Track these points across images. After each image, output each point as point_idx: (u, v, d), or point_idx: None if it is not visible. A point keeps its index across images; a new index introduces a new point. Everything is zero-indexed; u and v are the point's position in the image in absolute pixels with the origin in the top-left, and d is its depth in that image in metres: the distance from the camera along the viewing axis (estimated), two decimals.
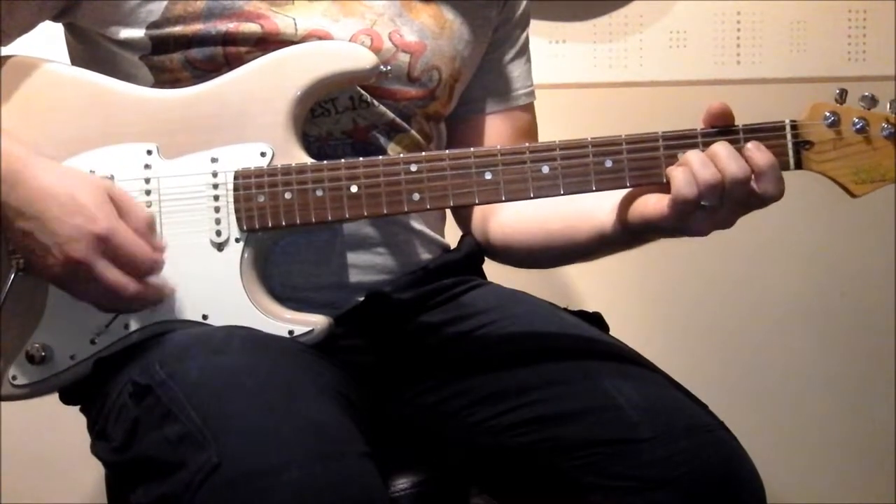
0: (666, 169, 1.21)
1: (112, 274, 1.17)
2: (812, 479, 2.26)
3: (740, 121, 1.23)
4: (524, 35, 1.53)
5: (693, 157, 1.19)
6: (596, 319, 1.40)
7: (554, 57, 2.11)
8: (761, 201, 1.20)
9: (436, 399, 1.33)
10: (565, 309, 1.42)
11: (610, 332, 1.40)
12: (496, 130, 1.49)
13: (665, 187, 1.21)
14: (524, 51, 1.53)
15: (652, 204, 1.22)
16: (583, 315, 1.41)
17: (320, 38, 1.30)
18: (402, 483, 1.33)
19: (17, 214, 1.17)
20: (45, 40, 1.37)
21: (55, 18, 1.33)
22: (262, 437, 1.06)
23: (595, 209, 1.31)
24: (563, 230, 1.36)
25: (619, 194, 1.27)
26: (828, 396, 2.27)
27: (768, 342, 2.26)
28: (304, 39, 1.30)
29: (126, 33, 1.29)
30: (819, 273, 2.25)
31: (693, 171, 1.18)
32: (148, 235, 1.21)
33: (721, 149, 1.19)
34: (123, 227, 1.18)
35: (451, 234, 1.51)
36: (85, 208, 1.16)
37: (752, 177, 1.18)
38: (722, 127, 1.22)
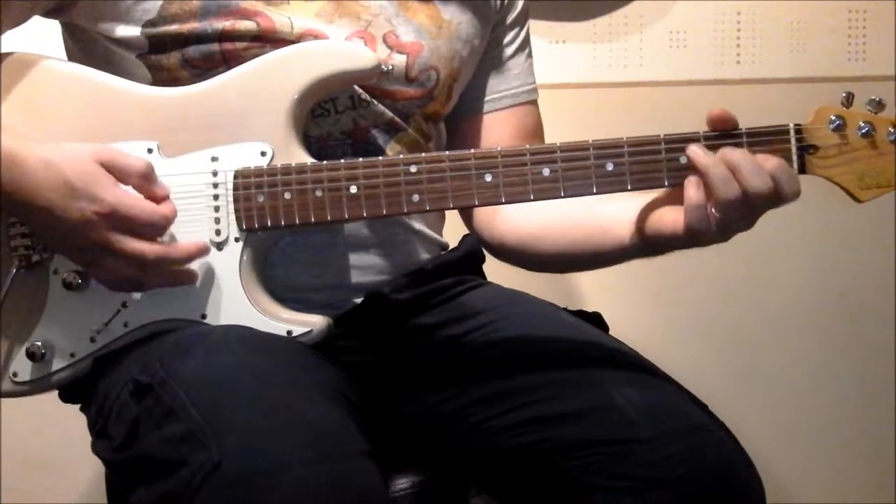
0: (685, 181, 1.18)
1: (129, 244, 1.18)
2: (812, 479, 2.26)
3: (740, 121, 1.22)
4: (524, 32, 1.52)
5: (714, 171, 1.16)
6: (595, 319, 1.40)
7: (554, 57, 2.11)
8: (779, 204, 1.18)
9: (435, 399, 1.33)
10: (565, 309, 1.42)
11: (609, 332, 1.40)
12: (498, 129, 1.49)
13: (668, 192, 1.21)
14: (524, 48, 1.52)
15: (670, 221, 1.21)
16: (582, 315, 1.41)
17: (316, 38, 1.30)
18: (402, 483, 1.33)
19: (26, 213, 1.18)
20: (44, 39, 1.37)
21: (50, 15, 1.33)
22: (263, 437, 1.06)
23: (614, 222, 1.30)
24: (586, 240, 1.35)
25: (637, 206, 1.26)
26: (828, 397, 2.27)
27: (768, 342, 2.26)
28: (299, 38, 1.29)
29: (122, 31, 1.29)
30: (819, 274, 2.25)
31: (707, 172, 1.16)
32: (150, 189, 1.21)
33: (744, 162, 1.16)
34: (125, 197, 1.18)
35: (452, 234, 1.51)
36: (82, 190, 1.16)
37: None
38: (724, 130, 1.21)
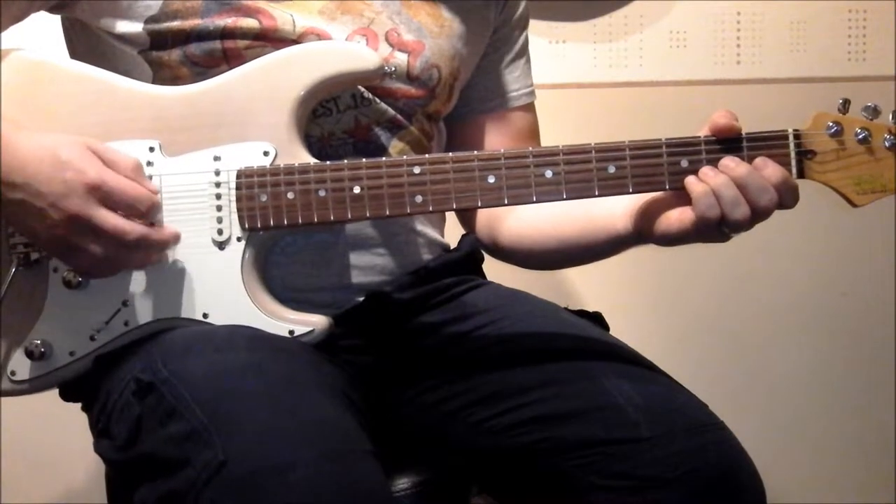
0: (685, 182, 1.21)
1: (112, 220, 1.17)
2: (812, 479, 2.26)
3: (740, 121, 1.23)
4: (523, 36, 1.53)
5: (724, 189, 1.18)
6: (596, 319, 1.41)
7: (554, 57, 2.11)
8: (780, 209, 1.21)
9: (436, 399, 1.33)
10: (565, 309, 1.42)
11: (610, 332, 1.40)
12: (496, 131, 1.49)
13: (669, 195, 1.22)
14: (524, 52, 1.53)
15: (675, 219, 1.22)
16: (583, 315, 1.41)
17: (318, 36, 1.30)
18: (402, 483, 1.33)
19: (7, 187, 1.15)
20: (46, 34, 1.38)
21: (54, 10, 1.33)
22: (268, 436, 1.06)
23: (609, 216, 1.31)
24: (578, 235, 1.36)
25: (628, 199, 1.27)
26: (828, 396, 2.27)
27: (769, 342, 2.26)
28: (301, 36, 1.29)
29: (124, 27, 1.29)
30: (820, 273, 2.25)
31: (717, 194, 1.19)
32: (139, 178, 1.21)
33: (750, 181, 1.18)
34: (112, 173, 1.18)
35: (452, 234, 1.51)
36: (70, 163, 1.16)
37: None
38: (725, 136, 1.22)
